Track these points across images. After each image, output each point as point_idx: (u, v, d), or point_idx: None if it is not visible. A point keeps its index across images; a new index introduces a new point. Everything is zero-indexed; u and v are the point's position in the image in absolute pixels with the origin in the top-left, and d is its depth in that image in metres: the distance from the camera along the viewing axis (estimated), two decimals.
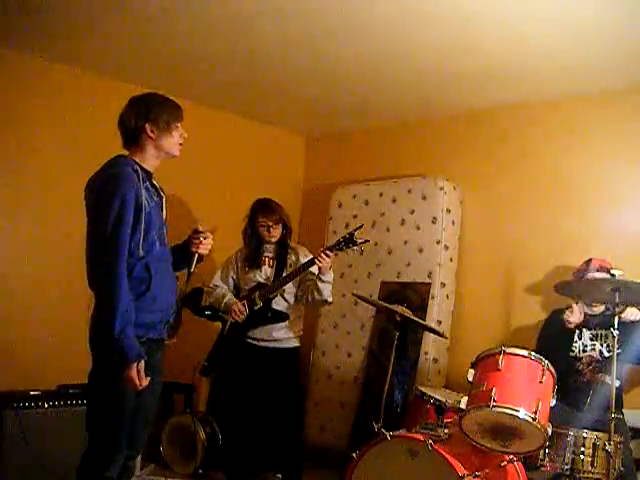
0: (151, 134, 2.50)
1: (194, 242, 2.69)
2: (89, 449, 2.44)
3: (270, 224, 3.93)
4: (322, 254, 3.65)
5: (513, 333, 4.30)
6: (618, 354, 3.02)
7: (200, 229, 2.71)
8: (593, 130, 4.20)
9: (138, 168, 2.45)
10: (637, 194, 3.99)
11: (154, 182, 2.60)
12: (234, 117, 5.28)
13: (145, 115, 2.50)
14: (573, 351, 3.60)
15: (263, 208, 3.95)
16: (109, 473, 2.41)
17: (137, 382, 2.32)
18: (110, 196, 2.33)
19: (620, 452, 2.96)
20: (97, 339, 2.39)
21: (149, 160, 2.54)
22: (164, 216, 2.60)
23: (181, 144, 2.60)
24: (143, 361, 2.34)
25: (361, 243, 3.63)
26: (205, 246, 2.70)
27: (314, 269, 3.77)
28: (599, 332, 3.59)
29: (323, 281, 3.78)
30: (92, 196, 2.42)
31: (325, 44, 3.80)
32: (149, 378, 2.37)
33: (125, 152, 2.55)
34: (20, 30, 3.79)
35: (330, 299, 3.93)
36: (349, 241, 3.63)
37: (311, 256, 3.81)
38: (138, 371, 2.32)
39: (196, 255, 2.69)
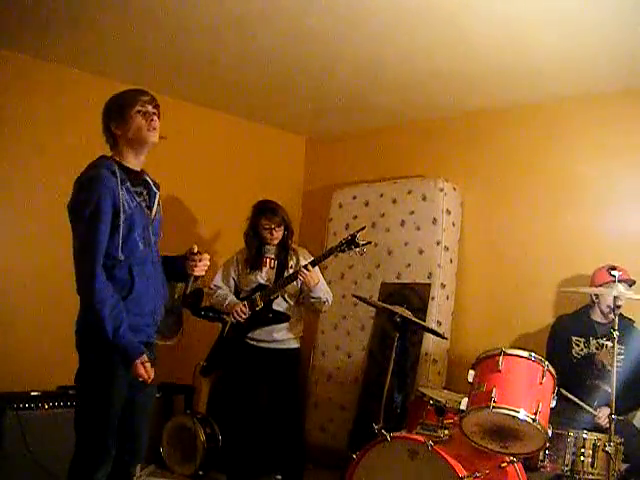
0: (117, 131, 2.46)
1: (190, 264, 2.63)
2: (76, 452, 2.41)
3: (273, 226, 3.93)
4: (303, 269, 3.70)
5: (513, 334, 4.29)
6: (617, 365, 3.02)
7: (195, 250, 2.64)
8: (593, 131, 4.20)
9: (117, 169, 2.40)
10: (637, 194, 4.00)
11: (147, 178, 2.55)
12: (234, 118, 5.28)
13: (107, 116, 2.49)
14: (577, 358, 3.60)
15: (265, 210, 3.95)
16: (97, 476, 2.38)
17: (146, 376, 2.34)
18: (83, 201, 2.33)
19: (620, 453, 2.96)
20: (83, 341, 2.39)
21: (129, 158, 2.48)
22: (153, 214, 2.54)
23: (153, 128, 2.46)
24: (145, 355, 2.35)
25: (363, 245, 3.64)
26: (201, 267, 2.63)
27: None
28: (605, 343, 3.58)
29: (313, 297, 3.85)
30: (70, 200, 2.41)
31: (325, 45, 3.81)
32: (153, 369, 2.38)
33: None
34: (20, 30, 3.79)
35: (328, 303, 3.93)
36: (351, 243, 3.64)
37: (312, 258, 3.83)
38: (144, 365, 2.33)
39: (192, 277, 2.65)
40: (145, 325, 2.47)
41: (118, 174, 2.39)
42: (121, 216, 2.34)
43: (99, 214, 2.30)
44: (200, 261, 2.62)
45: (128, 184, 2.43)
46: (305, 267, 3.72)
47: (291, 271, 3.90)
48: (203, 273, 2.67)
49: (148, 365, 2.35)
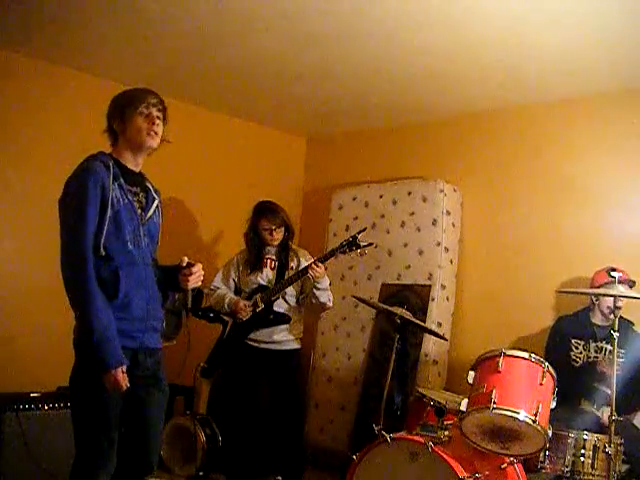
0: (117, 128, 2.40)
1: (182, 279, 2.51)
2: (76, 457, 2.35)
3: (273, 227, 3.93)
4: (314, 265, 3.69)
5: (513, 335, 4.29)
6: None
7: (184, 264, 2.50)
8: (593, 131, 4.20)
9: (112, 164, 2.33)
10: (637, 195, 3.99)
11: (147, 183, 2.50)
12: (234, 119, 5.29)
13: (111, 112, 2.43)
14: (577, 362, 3.60)
15: (266, 211, 3.95)
16: None
17: (122, 385, 2.24)
18: (73, 190, 2.28)
19: (620, 454, 2.96)
20: (79, 343, 2.33)
21: (126, 156, 2.41)
22: (148, 216, 2.45)
23: (154, 132, 2.39)
24: (125, 366, 2.26)
25: (365, 246, 3.65)
26: (194, 280, 2.51)
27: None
28: (605, 346, 3.58)
29: (319, 288, 3.84)
30: (61, 193, 2.35)
31: (325, 46, 3.81)
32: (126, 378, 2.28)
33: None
34: (19, 31, 3.79)
35: (329, 304, 3.95)
36: (352, 244, 3.65)
37: (312, 259, 3.83)
38: (123, 373, 2.25)
39: (189, 291, 2.55)
40: (137, 330, 2.36)
41: (112, 168, 2.32)
42: (108, 210, 2.26)
43: (87, 203, 2.23)
44: (191, 274, 2.49)
45: (122, 180, 2.36)
46: (316, 263, 3.70)
47: (292, 272, 3.90)
48: (199, 284, 2.56)
49: (125, 375, 2.25)
